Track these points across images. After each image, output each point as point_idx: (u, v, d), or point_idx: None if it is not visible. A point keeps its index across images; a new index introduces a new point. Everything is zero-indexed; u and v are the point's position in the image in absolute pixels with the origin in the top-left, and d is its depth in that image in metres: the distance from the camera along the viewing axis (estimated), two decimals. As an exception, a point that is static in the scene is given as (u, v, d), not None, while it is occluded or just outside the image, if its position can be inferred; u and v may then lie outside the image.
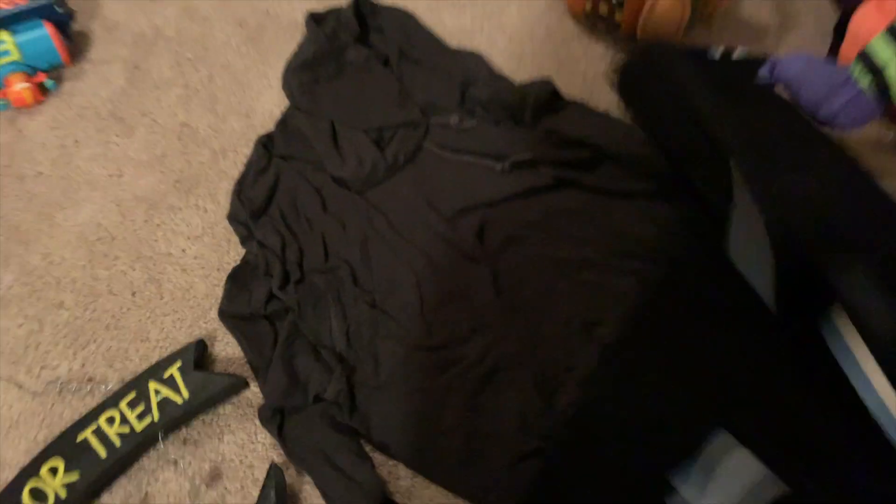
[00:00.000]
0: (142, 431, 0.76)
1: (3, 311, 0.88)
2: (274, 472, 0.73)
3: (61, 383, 0.82)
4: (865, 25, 0.94)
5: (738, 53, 0.93)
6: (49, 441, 0.76)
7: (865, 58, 0.86)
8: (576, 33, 1.12)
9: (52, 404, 0.81)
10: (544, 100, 1.00)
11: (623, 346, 0.80)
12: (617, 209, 0.92)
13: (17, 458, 0.77)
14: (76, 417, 0.78)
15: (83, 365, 0.84)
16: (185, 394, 0.78)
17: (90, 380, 0.82)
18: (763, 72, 0.92)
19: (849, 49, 0.96)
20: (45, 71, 1.07)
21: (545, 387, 0.79)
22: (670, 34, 1.03)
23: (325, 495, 0.73)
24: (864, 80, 0.86)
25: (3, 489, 0.74)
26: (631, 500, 0.72)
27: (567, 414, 0.77)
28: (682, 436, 0.73)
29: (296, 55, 1.09)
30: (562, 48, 1.10)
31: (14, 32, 1.05)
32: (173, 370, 0.79)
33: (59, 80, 1.09)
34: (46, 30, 1.05)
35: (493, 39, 1.12)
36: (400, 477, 0.76)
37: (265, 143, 0.99)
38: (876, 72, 0.85)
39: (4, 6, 1.06)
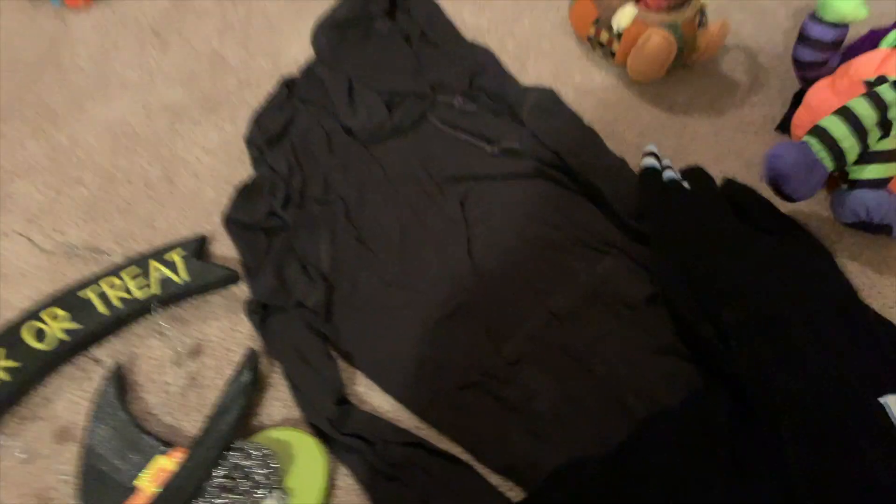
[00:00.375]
0: (140, 299, 0.85)
1: (27, 176, 0.96)
2: (251, 357, 0.83)
3: (70, 247, 0.91)
4: (818, 97, 1.09)
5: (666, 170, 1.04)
6: (54, 294, 0.85)
7: (823, 135, 1.00)
8: (576, 53, 1.25)
9: (60, 264, 0.89)
10: (543, 104, 1.13)
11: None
12: (582, 205, 1.04)
13: (23, 304, 0.85)
14: (80, 279, 0.87)
15: (92, 236, 0.92)
16: (184, 276, 0.87)
17: (97, 250, 0.91)
18: (764, 168, 1.04)
19: (801, 115, 1.10)
20: (98, -23, 1.16)
21: (495, 335, 0.90)
22: (655, 70, 1.17)
23: (291, 384, 0.83)
24: (822, 153, 0.99)
25: (8, 326, 0.82)
26: None
27: (508, 360, 0.89)
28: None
29: (329, 15, 1.19)
30: (561, 63, 1.23)
31: (78, -64, 1.14)
32: (175, 255, 0.89)
33: (109, -12, 1.18)
34: (108, -60, 1.15)
35: (504, 42, 1.24)
36: (357, 384, 0.86)
37: (288, 84, 1.09)
38: (833, 146, 0.99)
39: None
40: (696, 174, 1.07)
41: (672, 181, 1.03)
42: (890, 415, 0.78)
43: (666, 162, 1.06)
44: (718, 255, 0.93)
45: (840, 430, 0.77)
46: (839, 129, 0.97)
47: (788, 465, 0.75)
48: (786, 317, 0.87)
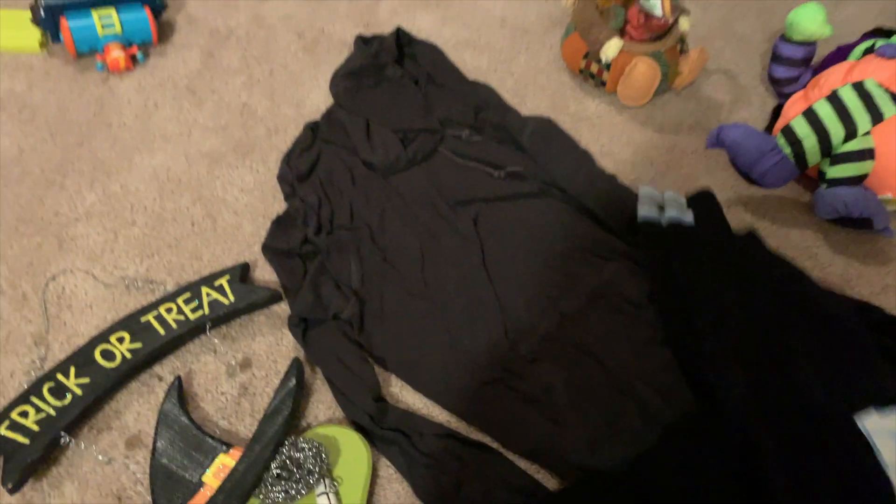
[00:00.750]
0: (194, 320, 0.95)
1: (87, 222, 1.07)
2: (295, 364, 0.92)
3: (129, 280, 1.01)
4: (793, 109, 1.19)
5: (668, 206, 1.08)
6: (119, 320, 0.95)
7: (788, 132, 1.12)
8: (570, 85, 1.37)
9: (121, 295, 1.00)
10: (540, 131, 1.24)
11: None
12: (584, 219, 1.14)
13: (90, 331, 0.95)
14: (139, 307, 0.97)
15: (147, 270, 1.03)
16: (232, 298, 0.97)
17: (152, 281, 1.02)
18: (711, 137, 1.17)
19: (781, 126, 1.21)
20: (137, 45, 1.29)
21: (512, 337, 0.99)
22: (643, 94, 1.29)
23: (333, 386, 0.92)
24: (787, 149, 1.11)
25: (79, 348, 0.92)
26: None
27: (526, 358, 0.98)
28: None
29: (344, 65, 1.32)
30: (556, 94, 1.35)
31: (119, 10, 1.26)
32: (223, 280, 0.99)
33: (147, 54, 1.31)
34: (145, 12, 1.28)
35: (503, 79, 1.36)
36: (391, 385, 0.95)
37: (312, 128, 1.21)
38: (795, 143, 1.10)
39: (114, -11, 1.29)
40: (701, 200, 1.11)
41: (672, 222, 1.07)
42: (863, 431, 0.83)
43: (668, 195, 1.10)
44: (710, 290, 0.98)
45: (817, 451, 0.82)
46: (801, 127, 1.08)
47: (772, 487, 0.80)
48: (765, 343, 0.91)
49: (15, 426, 0.84)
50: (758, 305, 0.96)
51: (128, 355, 0.91)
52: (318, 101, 1.28)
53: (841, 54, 1.29)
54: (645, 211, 1.08)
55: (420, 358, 0.97)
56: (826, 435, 0.83)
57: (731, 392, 0.88)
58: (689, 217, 1.08)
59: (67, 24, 1.23)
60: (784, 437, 0.83)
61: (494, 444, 0.91)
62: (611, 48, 1.26)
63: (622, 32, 1.28)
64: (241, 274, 1.01)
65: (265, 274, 1.04)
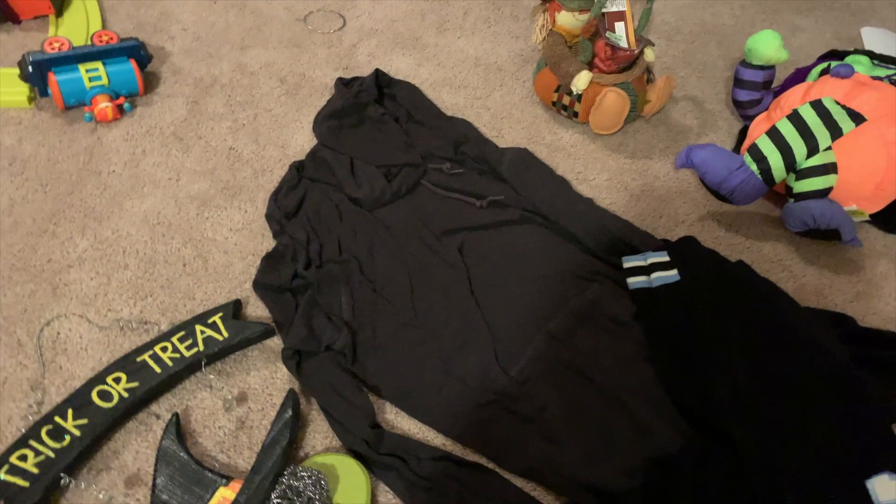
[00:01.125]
0: (189, 357, 0.95)
1: (80, 267, 1.07)
2: (291, 395, 0.92)
3: (123, 322, 1.02)
4: (758, 129, 1.24)
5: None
6: (115, 361, 0.95)
7: (754, 150, 1.16)
8: (544, 117, 1.40)
9: (116, 337, 1.00)
10: (518, 161, 1.27)
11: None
12: (563, 242, 1.16)
13: (86, 373, 0.95)
14: (134, 347, 0.97)
15: (141, 311, 1.03)
16: (226, 334, 0.97)
17: (146, 322, 1.02)
18: (680, 157, 1.20)
19: (747, 147, 1.25)
20: (124, 96, 1.31)
21: (503, 359, 1.00)
22: (614, 123, 1.32)
23: (328, 415, 0.92)
24: (753, 166, 1.15)
25: (76, 390, 0.91)
26: None
27: (517, 380, 0.99)
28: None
29: (326, 106, 1.35)
30: (531, 126, 1.38)
31: (105, 63, 1.28)
32: (216, 318, 0.99)
33: (133, 104, 1.33)
34: (131, 65, 1.30)
35: (480, 114, 1.39)
36: (386, 413, 0.96)
37: (298, 167, 1.23)
38: (761, 160, 1.14)
39: (100, 44, 1.32)
40: (681, 250, 1.10)
41: (661, 284, 1.06)
42: (873, 498, 0.81)
43: (651, 259, 1.09)
44: (710, 341, 0.98)
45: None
46: (766, 145, 1.12)
47: None
48: (770, 402, 0.91)
49: (14, 470, 0.83)
50: (758, 349, 0.96)
51: (125, 395, 0.91)
52: (302, 141, 1.30)
53: (799, 76, 1.34)
54: (634, 282, 1.09)
55: (414, 384, 0.97)
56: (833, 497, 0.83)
57: (744, 439, 0.88)
58: (674, 274, 1.07)
59: (55, 78, 1.25)
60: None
61: (490, 465, 0.91)
62: (581, 80, 1.30)
63: (591, 65, 1.32)
64: (234, 311, 1.01)
65: (257, 310, 1.05)
